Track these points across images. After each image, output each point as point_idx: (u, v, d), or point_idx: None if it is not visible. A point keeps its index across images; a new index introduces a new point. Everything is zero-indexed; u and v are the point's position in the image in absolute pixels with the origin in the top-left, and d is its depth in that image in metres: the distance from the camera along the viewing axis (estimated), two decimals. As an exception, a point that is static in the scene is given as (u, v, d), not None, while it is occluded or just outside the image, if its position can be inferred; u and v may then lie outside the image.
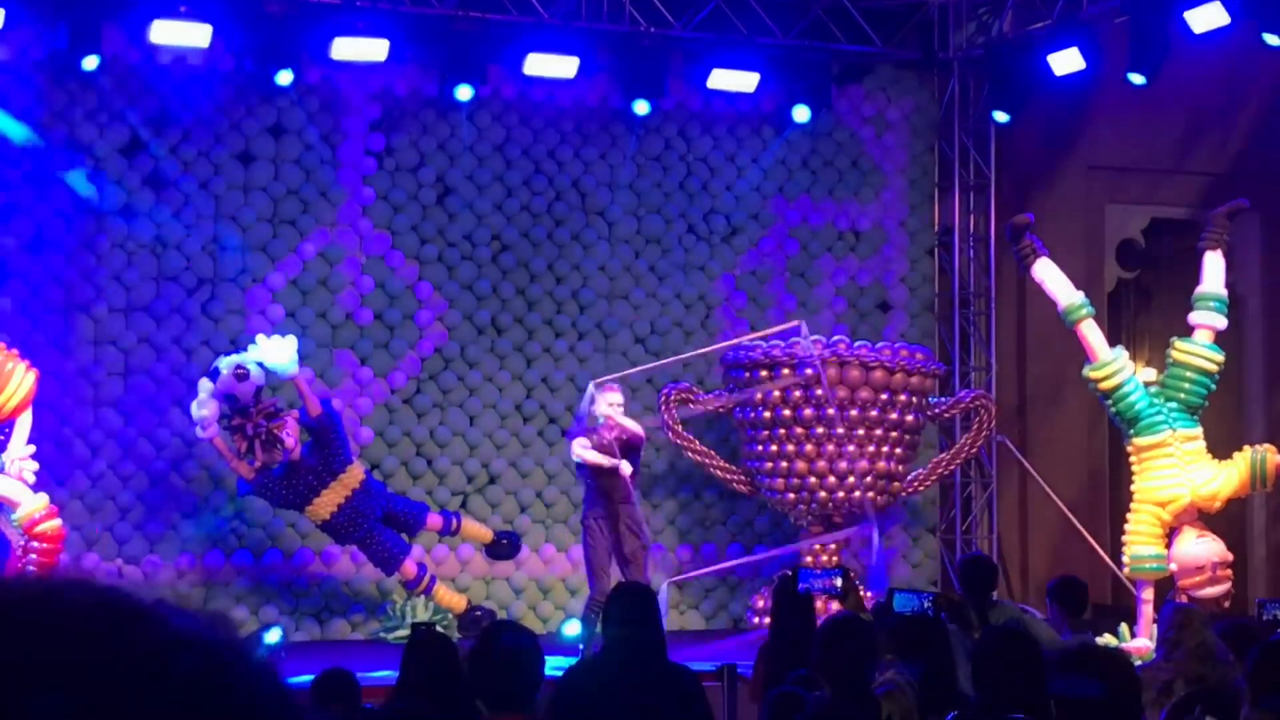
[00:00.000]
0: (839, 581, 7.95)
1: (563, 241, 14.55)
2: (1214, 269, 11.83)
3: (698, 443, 13.97)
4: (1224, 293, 11.87)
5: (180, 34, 12.74)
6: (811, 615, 7.24)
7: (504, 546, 13.18)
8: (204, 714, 1.30)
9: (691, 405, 13.50)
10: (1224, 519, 12.38)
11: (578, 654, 11.31)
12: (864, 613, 8.35)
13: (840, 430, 13.29)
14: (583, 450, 11.65)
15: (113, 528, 13.31)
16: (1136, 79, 13.19)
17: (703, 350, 14.01)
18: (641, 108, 14.13)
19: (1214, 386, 11.82)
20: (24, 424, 11.80)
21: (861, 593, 9.95)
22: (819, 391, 13.01)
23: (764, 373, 13.46)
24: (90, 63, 12.70)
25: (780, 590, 7.08)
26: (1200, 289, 11.83)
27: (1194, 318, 11.83)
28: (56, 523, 11.73)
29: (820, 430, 13.37)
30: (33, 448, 11.87)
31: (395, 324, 14.07)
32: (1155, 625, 10.20)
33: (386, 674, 9.19)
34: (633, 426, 11.77)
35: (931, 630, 6.64)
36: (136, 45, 12.98)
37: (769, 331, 13.76)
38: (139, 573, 13.30)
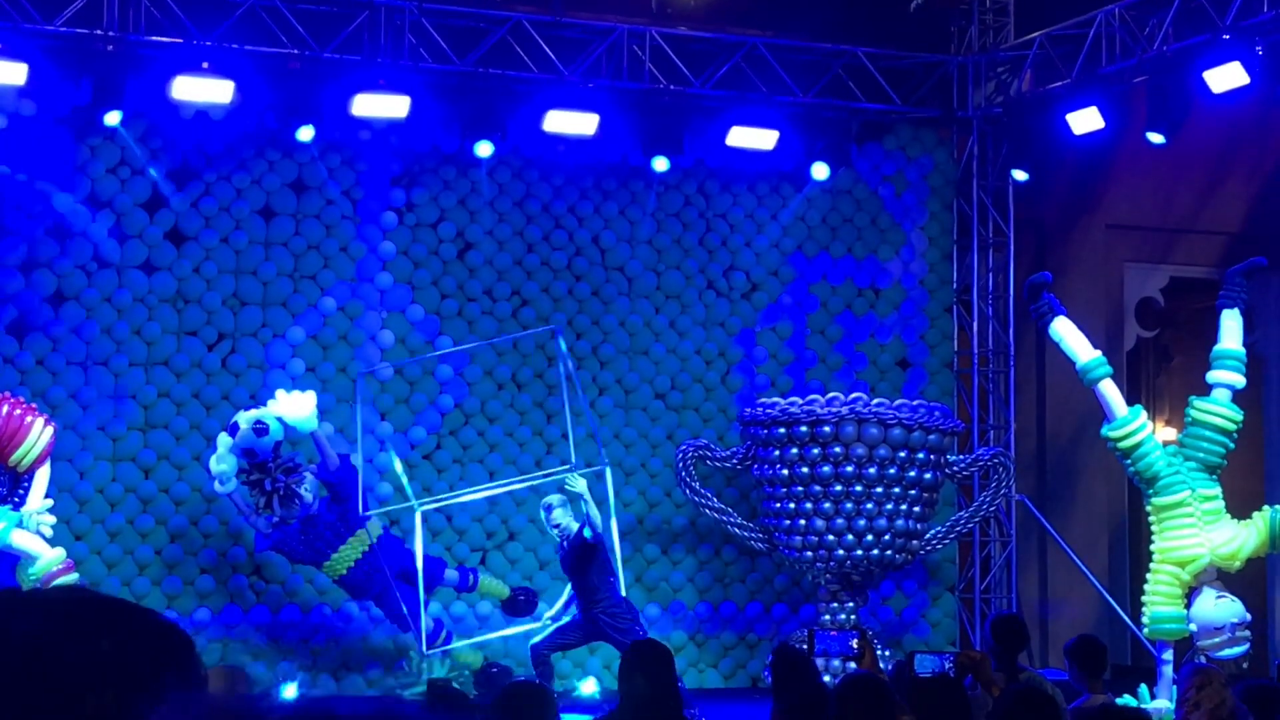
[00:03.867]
0: (855, 643, 7.92)
1: (583, 297, 14.58)
2: (1232, 327, 11.80)
3: (715, 499, 13.95)
4: (1242, 351, 11.83)
5: (203, 90, 12.82)
6: (817, 676, 7.18)
7: (521, 603, 13.15)
8: None
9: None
10: (1244, 579, 12.31)
11: (593, 711, 11.25)
12: (879, 673, 8.32)
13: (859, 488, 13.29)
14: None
15: (131, 582, 13.31)
16: (1155, 138, 13.21)
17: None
18: (660, 164, 14.19)
19: (1233, 445, 11.77)
20: (42, 478, 11.84)
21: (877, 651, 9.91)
22: None
23: (781, 429, 13.44)
24: (113, 118, 12.80)
25: (779, 657, 7.03)
26: (1218, 347, 11.80)
27: (1212, 376, 11.80)
28: (74, 577, 11.75)
29: (839, 488, 13.35)
30: (51, 501, 11.91)
31: (415, 379, 14.09)
32: (1175, 686, 10.14)
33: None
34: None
35: (950, 691, 6.60)
36: (159, 101, 13.06)
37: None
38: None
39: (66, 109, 13.15)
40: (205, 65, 12.76)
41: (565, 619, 12.13)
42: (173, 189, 13.53)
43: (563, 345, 12.60)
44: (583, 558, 11.65)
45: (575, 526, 11.68)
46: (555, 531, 11.87)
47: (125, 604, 1.96)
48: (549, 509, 11.83)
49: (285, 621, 13.62)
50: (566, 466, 12.16)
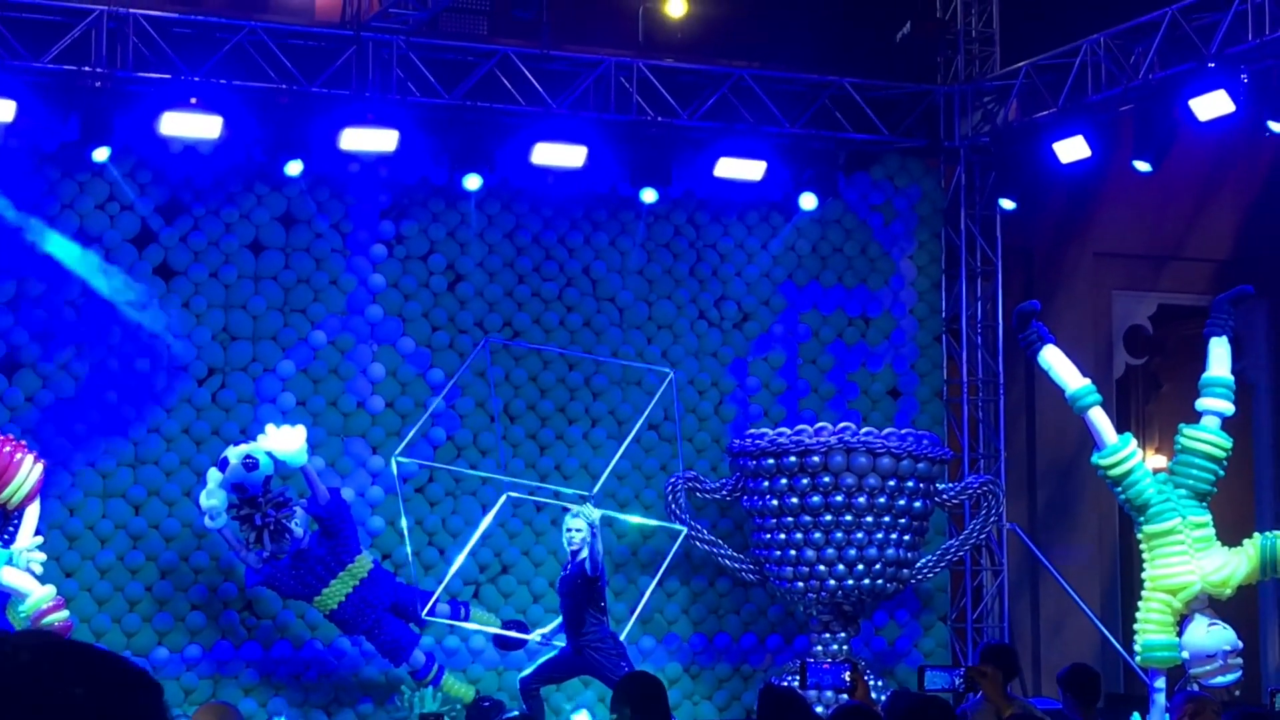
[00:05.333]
0: (848, 675, 7.92)
1: (574, 327, 14.58)
2: (1220, 355, 11.83)
3: (706, 531, 13.95)
4: (1231, 379, 11.85)
5: (190, 125, 12.84)
6: (809, 709, 7.16)
7: (512, 637, 13.11)
8: None
9: None
10: (1235, 605, 12.31)
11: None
12: (871, 704, 8.32)
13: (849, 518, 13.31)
14: None
15: (121, 619, 13.27)
16: (1142, 166, 13.24)
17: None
18: (649, 196, 14.21)
19: (1222, 473, 11.79)
20: (32, 515, 11.81)
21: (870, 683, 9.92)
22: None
23: (770, 460, 13.45)
24: (101, 154, 12.80)
25: (765, 698, 7.03)
26: (1207, 375, 11.83)
27: (1201, 404, 11.82)
28: (64, 614, 11.72)
29: (829, 518, 13.35)
30: (41, 538, 11.88)
31: (407, 412, 14.07)
32: (1168, 714, 10.13)
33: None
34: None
35: (939, 714, 6.60)
36: (147, 136, 13.08)
37: None
38: (147, 665, 13.25)
39: (54, 145, 13.15)
40: (193, 100, 12.78)
41: (556, 643, 12.16)
42: (161, 224, 13.53)
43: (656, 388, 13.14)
44: (580, 586, 11.71)
45: (586, 552, 11.75)
46: (568, 537, 11.93)
47: (96, 650, 2.00)
48: (574, 515, 11.94)
49: (277, 657, 13.58)
50: (588, 495, 12.37)
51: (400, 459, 12.79)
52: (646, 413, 13.15)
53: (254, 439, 12.43)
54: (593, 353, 14.54)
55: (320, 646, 13.65)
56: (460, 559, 13.21)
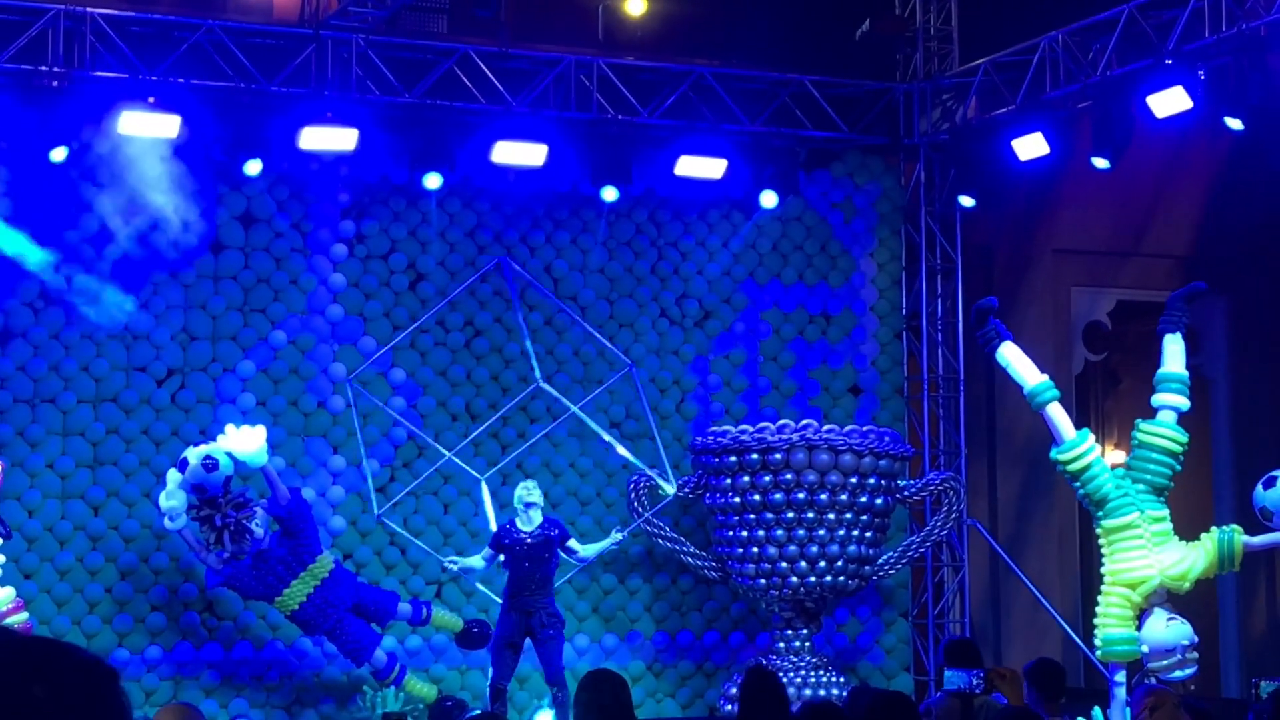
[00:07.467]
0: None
1: (536, 326, 14.56)
2: (1174, 351, 11.89)
3: (668, 529, 13.96)
4: (1185, 374, 11.90)
5: (149, 124, 12.78)
6: (786, 703, 7.20)
7: (475, 635, 13.11)
8: None
9: None
10: (1193, 599, 12.38)
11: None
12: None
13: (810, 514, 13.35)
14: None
15: (81, 621, 13.20)
16: (1100, 163, 13.29)
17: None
18: (609, 194, 14.21)
19: (1179, 467, 11.85)
20: (-10, 517, 11.75)
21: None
22: None
23: (732, 458, 13.47)
24: (59, 154, 12.72)
25: (750, 679, 7.05)
26: (1161, 371, 11.89)
27: (1157, 399, 11.88)
28: (23, 616, 11.66)
29: (791, 515, 13.38)
30: (-1, 540, 11.81)
31: (368, 411, 14.04)
32: (1128, 707, 10.18)
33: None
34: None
35: (904, 714, 6.62)
36: (105, 136, 13.00)
37: None
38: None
39: (12, 145, 13.05)
40: (151, 100, 12.72)
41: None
42: (120, 224, 13.45)
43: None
44: (554, 548, 12.40)
45: (540, 519, 12.48)
46: (528, 512, 12.48)
47: (49, 643, 1.97)
48: (529, 490, 12.61)
49: (238, 658, 13.53)
50: (656, 468, 13.36)
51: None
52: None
53: (214, 439, 12.39)
54: (554, 353, 14.52)
55: (282, 647, 13.61)
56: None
